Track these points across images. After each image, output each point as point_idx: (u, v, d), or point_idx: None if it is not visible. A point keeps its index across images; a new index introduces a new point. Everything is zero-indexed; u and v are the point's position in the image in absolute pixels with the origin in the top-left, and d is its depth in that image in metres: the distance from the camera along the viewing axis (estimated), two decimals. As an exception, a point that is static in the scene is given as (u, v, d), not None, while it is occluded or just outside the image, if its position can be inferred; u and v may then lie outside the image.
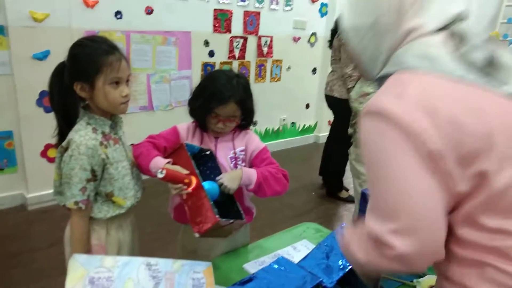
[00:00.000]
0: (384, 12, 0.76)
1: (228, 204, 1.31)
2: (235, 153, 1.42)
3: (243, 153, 1.44)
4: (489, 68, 0.69)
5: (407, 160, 0.65)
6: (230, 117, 1.34)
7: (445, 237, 0.69)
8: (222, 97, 1.30)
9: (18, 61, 2.63)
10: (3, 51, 2.61)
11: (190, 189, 1.20)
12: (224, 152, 1.40)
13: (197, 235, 1.17)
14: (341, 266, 1.20)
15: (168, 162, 1.25)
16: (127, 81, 1.23)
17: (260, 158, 1.42)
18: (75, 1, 2.80)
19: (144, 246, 2.47)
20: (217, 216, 1.14)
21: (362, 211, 1.35)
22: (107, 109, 1.22)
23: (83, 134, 1.17)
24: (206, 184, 1.24)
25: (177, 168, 1.22)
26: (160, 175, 1.14)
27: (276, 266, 1.15)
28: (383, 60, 0.79)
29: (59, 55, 2.80)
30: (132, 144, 1.37)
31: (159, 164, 1.23)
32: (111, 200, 1.25)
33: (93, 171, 1.18)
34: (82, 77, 1.16)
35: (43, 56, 2.68)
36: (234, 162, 1.41)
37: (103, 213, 1.25)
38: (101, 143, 1.20)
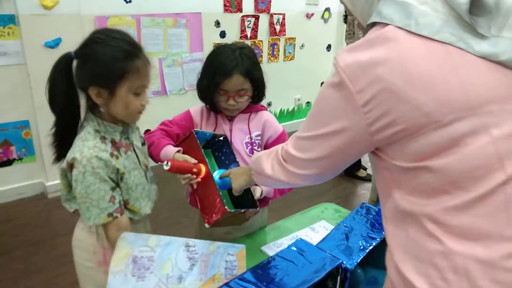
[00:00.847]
0: None
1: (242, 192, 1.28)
2: (250, 137, 1.38)
3: (259, 138, 1.40)
4: (476, 12, 0.60)
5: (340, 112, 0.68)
6: (239, 91, 1.29)
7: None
8: (225, 70, 1.25)
9: (31, 50, 2.63)
10: (15, 40, 2.61)
11: (199, 178, 1.17)
12: (239, 137, 1.37)
13: (207, 225, 1.16)
14: (361, 247, 1.17)
15: (179, 151, 1.22)
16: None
17: (276, 143, 1.37)
18: (83, -13, 2.76)
19: (161, 232, 2.49)
20: (226, 207, 1.11)
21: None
22: (122, 117, 1.09)
23: (92, 146, 1.03)
24: (218, 174, 1.22)
25: (186, 157, 1.19)
26: (165, 167, 1.11)
27: (294, 249, 1.13)
28: (373, 10, 0.72)
29: (71, 42, 2.78)
30: (145, 132, 1.34)
31: (169, 153, 1.21)
32: (126, 208, 1.14)
33: (111, 179, 1.07)
34: (102, 82, 1.01)
35: (54, 44, 2.67)
36: (250, 147, 1.37)
37: None
38: (111, 154, 1.06)
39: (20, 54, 2.65)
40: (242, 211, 1.18)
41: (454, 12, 0.61)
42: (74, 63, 1.05)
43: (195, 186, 1.20)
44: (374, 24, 0.68)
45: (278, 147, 0.91)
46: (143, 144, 1.26)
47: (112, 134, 1.09)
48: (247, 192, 1.28)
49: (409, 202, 0.67)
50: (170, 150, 1.23)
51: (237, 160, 1.32)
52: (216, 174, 1.23)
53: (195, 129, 1.24)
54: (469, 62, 0.59)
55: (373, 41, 0.64)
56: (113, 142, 1.08)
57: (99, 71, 1.01)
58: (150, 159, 1.28)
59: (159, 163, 1.25)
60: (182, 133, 1.35)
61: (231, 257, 1.09)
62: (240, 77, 1.26)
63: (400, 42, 0.62)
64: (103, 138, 1.06)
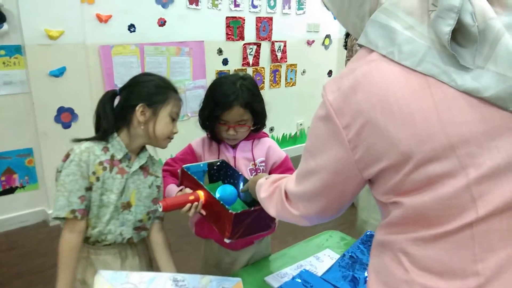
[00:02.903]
0: None
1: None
2: (255, 164, 1.38)
3: (263, 164, 1.40)
4: (461, 41, 0.57)
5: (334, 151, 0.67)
6: (239, 122, 1.29)
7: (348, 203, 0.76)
8: (225, 102, 1.26)
9: (35, 79, 2.66)
10: (21, 70, 2.66)
11: (202, 201, 1.17)
12: (244, 163, 1.37)
13: (227, 240, 1.12)
14: (367, 280, 1.14)
15: (181, 190, 1.24)
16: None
17: (280, 169, 1.39)
18: (89, 17, 2.82)
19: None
20: (230, 211, 1.09)
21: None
22: (151, 139, 1.20)
23: (89, 146, 1.15)
24: (219, 191, 1.22)
25: (186, 191, 1.21)
26: (160, 209, 1.11)
27: (299, 280, 1.10)
28: (364, 25, 0.68)
29: (75, 71, 2.85)
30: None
31: (171, 193, 1.24)
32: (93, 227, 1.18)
33: (90, 182, 1.13)
34: (148, 100, 1.16)
35: (59, 73, 2.71)
36: (254, 173, 1.37)
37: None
38: (100, 163, 1.14)
39: (25, 83, 2.68)
40: (252, 209, 1.15)
41: (439, 39, 0.58)
42: (117, 99, 1.22)
43: (204, 213, 1.18)
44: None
45: (281, 183, 0.90)
46: (154, 199, 1.26)
47: (116, 150, 1.17)
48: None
49: (385, 232, 0.68)
50: (172, 190, 1.25)
51: (241, 174, 1.30)
52: (218, 191, 1.23)
53: (184, 165, 1.27)
54: (450, 98, 0.57)
55: (357, 69, 0.63)
56: (112, 157, 1.16)
57: (146, 91, 1.17)
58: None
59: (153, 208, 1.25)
60: None
61: None
62: (240, 109, 1.27)
63: (381, 72, 0.60)
64: (105, 149, 1.17)
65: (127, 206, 1.22)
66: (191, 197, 1.16)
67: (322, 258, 1.43)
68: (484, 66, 0.56)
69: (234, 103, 1.25)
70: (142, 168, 1.23)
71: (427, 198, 0.59)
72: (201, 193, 1.17)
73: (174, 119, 1.21)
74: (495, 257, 0.57)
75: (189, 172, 1.23)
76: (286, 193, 0.85)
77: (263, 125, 1.39)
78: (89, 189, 1.14)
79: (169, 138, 1.21)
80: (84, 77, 2.84)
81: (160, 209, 1.11)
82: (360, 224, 2.05)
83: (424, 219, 0.61)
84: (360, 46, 0.67)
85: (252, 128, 1.36)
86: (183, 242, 2.58)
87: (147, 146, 1.27)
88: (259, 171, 1.38)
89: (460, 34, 0.57)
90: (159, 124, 1.17)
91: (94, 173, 1.14)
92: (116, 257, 1.23)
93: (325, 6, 0.79)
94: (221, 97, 1.27)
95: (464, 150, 0.56)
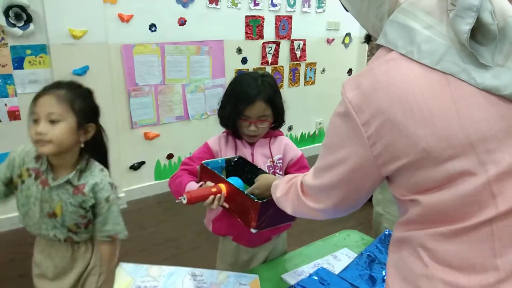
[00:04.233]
0: None
1: None
2: (272, 161, 1.39)
3: (280, 161, 1.41)
4: (480, 39, 0.57)
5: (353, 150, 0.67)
6: (261, 117, 1.31)
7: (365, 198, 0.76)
8: (248, 97, 1.27)
9: (59, 78, 2.68)
10: (46, 69, 2.73)
11: (224, 193, 1.17)
12: (262, 160, 1.38)
13: (254, 230, 1.12)
14: (385, 277, 1.14)
15: (201, 185, 1.24)
16: (53, 121, 1.13)
17: (296, 166, 1.39)
18: (111, 17, 2.88)
19: (183, 255, 2.50)
20: (256, 200, 1.09)
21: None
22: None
23: (28, 150, 1.23)
24: (233, 181, 1.23)
25: (207, 184, 1.21)
26: (184, 201, 1.11)
27: (315, 278, 1.11)
28: (382, 25, 0.69)
29: (98, 70, 2.90)
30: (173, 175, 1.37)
31: (192, 189, 1.22)
32: None
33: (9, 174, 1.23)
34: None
35: (82, 72, 2.77)
36: (272, 170, 1.38)
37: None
38: (27, 169, 1.21)
39: (50, 82, 2.74)
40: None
41: (458, 38, 0.58)
42: None
43: (227, 206, 1.19)
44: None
45: (297, 179, 0.91)
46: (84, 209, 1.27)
47: (44, 162, 1.21)
48: None
49: (404, 229, 0.68)
50: (192, 187, 1.25)
51: (260, 168, 1.31)
52: (235, 181, 1.24)
53: (203, 161, 1.27)
54: (469, 96, 0.57)
55: (376, 68, 0.63)
56: (40, 167, 1.22)
57: None
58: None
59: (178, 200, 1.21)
60: None
61: (244, 287, 1.07)
62: (262, 104, 1.28)
63: (401, 70, 0.60)
64: (38, 157, 1.23)
65: (53, 215, 1.24)
66: (214, 189, 1.16)
67: (340, 257, 1.43)
68: (504, 64, 0.56)
69: (257, 98, 1.27)
70: (72, 185, 1.22)
71: (447, 195, 0.59)
72: (223, 186, 1.18)
73: (35, 120, 1.14)
74: None
75: (209, 167, 1.24)
76: (302, 187, 0.86)
77: (282, 120, 1.39)
78: (9, 181, 1.23)
79: (37, 141, 1.14)
80: (106, 76, 2.90)
81: (185, 202, 1.11)
82: (375, 217, 2.04)
83: (444, 216, 0.61)
84: (379, 46, 0.67)
85: (271, 126, 1.37)
86: (202, 238, 2.62)
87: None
88: (277, 168, 1.39)
89: (480, 33, 0.57)
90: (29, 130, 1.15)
91: (20, 175, 1.22)
92: (68, 245, 1.31)
93: (344, 7, 0.79)
94: (244, 93, 1.28)
95: (483, 147, 0.56)
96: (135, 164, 3.27)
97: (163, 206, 3.20)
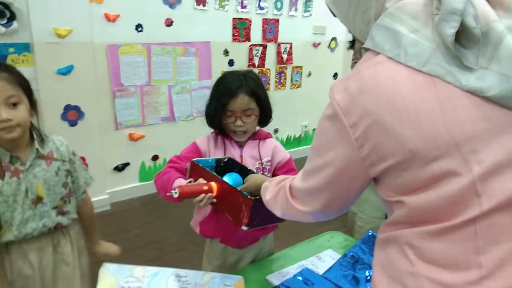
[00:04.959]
0: None
1: None
2: (261, 163, 1.39)
3: (269, 163, 1.41)
4: (464, 43, 0.58)
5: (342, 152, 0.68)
6: (245, 110, 1.31)
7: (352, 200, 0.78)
8: (230, 90, 1.28)
9: (43, 77, 2.69)
10: (29, 67, 2.68)
11: (214, 193, 1.17)
12: (250, 162, 1.38)
13: (245, 228, 1.12)
14: (368, 277, 1.15)
15: (190, 182, 1.23)
16: (14, 104, 1.12)
17: (284, 169, 1.40)
18: (97, 16, 2.85)
19: (167, 258, 2.49)
20: (249, 197, 1.09)
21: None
22: None
23: None
24: (228, 178, 1.23)
25: (199, 181, 1.19)
26: (175, 195, 1.10)
27: (300, 278, 1.12)
28: (369, 30, 0.70)
29: (83, 69, 2.86)
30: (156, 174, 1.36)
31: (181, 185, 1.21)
32: None
33: None
34: None
35: (66, 71, 2.74)
36: (260, 172, 1.38)
37: None
38: None
39: (33, 81, 2.68)
40: None
41: (443, 41, 0.59)
42: None
43: (215, 200, 1.18)
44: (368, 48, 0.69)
45: (286, 182, 0.92)
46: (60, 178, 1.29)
47: (1, 156, 1.16)
48: None
49: (391, 229, 0.69)
50: (180, 183, 1.23)
51: (250, 169, 1.31)
52: (226, 178, 1.24)
53: (195, 159, 1.27)
54: (455, 97, 0.58)
55: (363, 70, 0.65)
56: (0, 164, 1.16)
57: None
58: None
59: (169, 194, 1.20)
60: None
61: None
62: (246, 96, 1.29)
63: (388, 73, 0.62)
64: None
65: (38, 200, 1.23)
66: (205, 187, 1.16)
67: (324, 258, 1.44)
68: (487, 67, 0.58)
69: (239, 90, 1.28)
70: (42, 157, 1.23)
71: (432, 196, 0.61)
72: (214, 185, 1.17)
73: None
74: (497, 250, 0.58)
75: (200, 165, 1.24)
76: (291, 190, 0.87)
77: (269, 115, 1.40)
78: None
79: (3, 129, 1.11)
80: (91, 76, 2.87)
81: (176, 195, 1.09)
82: (350, 216, 2.07)
83: (430, 215, 0.62)
84: (366, 49, 0.68)
85: (259, 123, 1.37)
86: (187, 241, 2.60)
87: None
88: (265, 170, 1.39)
89: (464, 36, 0.59)
90: None
91: None
92: (48, 243, 1.28)
93: (332, 12, 0.81)
94: (226, 87, 1.29)
95: (468, 148, 0.58)
96: (119, 165, 3.24)
97: (148, 208, 3.17)
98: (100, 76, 2.94)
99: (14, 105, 1.12)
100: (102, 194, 3.08)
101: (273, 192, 0.96)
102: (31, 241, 1.25)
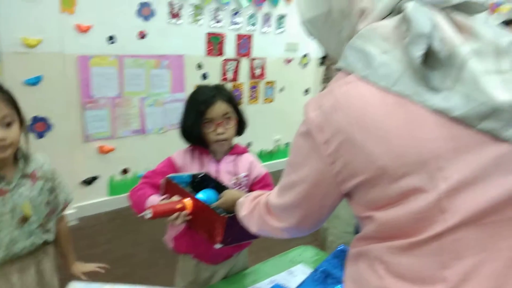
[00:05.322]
0: None
1: None
2: (238, 178, 1.39)
3: (246, 178, 1.42)
4: (431, 64, 0.61)
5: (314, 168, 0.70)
6: (224, 115, 1.32)
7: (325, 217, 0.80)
8: (208, 98, 1.30)
9: (10, 87, 2.57)
10: (-5, 77, 2.60)
11: (188, 210, 1.16)
12: (226, 178, 1.38)
13: (218, 246, 1.11)
14: (340, 292, 1.17)
15: (163, 199, 1.21)
16: (8, 124, 1.12)
17: (260, 184, 1.41)
18: (68, 27, 2.81)
19: (137, 274, 2.43)
20: (222, 215, 1.09)
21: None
22: None
23: None
24: (202, 194, 1.22)
25: (173, 199, 1.18)
26: (149, 216, 1.08)
27: (272, 293, 1.12)
28: (342, 52, 0.72)
29: (52, 80, 2.79)
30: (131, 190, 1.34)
31: (154, 203, 1.20)
32: None
33: None
34: None
35: (35, 82, 2.67)
36: (237, 188, 1.38)
37: None
38: None
39: (-1, 91, 2.62)
40: None
41: (411, 62, 0.62)
42: None
43: (189, 217, 1.17)
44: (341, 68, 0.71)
45: (261, 198, 0.93)
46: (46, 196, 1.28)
47: None
48: None
49: (362, 244, 0.71)
50: (154, 200, 1.22)
51: (225, 185, 1.31)
52: (201, 194, 1.23)
53: (169, 175, 1.26)
54: (422, 117, 0.61)
55: (336, 89, 0.67)
56: None
57: None
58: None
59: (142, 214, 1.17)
60: None
61: None
62: (223, 103, 1.31)
63: (359, 92, 0.64)
64: None
65: (24, 220, 1.21)
66: (179, 205, 1.15)
67: (296, 273, 1.45)
68: (452, 88, 0.60)
69: (216, 98, 1.31)
70: (26, 176, 1.21)
71: (400, 212, 0.63)
72: (188, 202, 1.16)
73: None
74: (462, 264, 0.60)
75: (174, 181, 1.23)
76: (267, 206, 0.88)
77: (245, 125, 1.42)
78: None
79: None
80: (61, 87, 2.81)
81: (149, 216, 1.08)
82: (322, 231, 2.09)
83: (398, 231, 0.64)
84: (339, 69, 0.71)
85: (237, 132, 1.39)
86: (157, 256, 2.55)
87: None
88: (241, 185, 1.39)
89: (431, 58, 0.61)
90: None
91: None
92: (30, 264, 1.25)
93: (308, 32, 0.83)
94: (203, 97, 1.32)
95: (435, 165, 0.60)
96: (88, 179, 3.16)
97: (117, 223, 3.10)
98: (69, 87, 2.88)
99: (8, 125, 1.12)
100: (69, 209, 2.98)
101: (249, 208, 0.96)
102: (13, 262, 1.21)
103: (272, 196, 0.85)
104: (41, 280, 1.29)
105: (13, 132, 1.13)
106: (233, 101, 1.36)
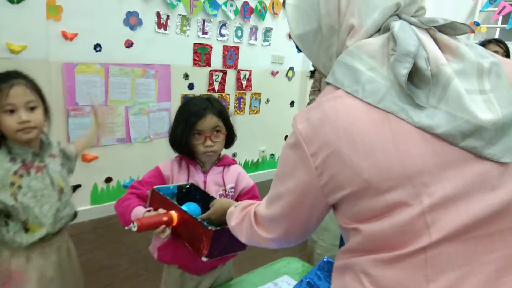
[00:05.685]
0: (324, 15, 0.73)
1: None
2: (225, 190, 1.39)
3: (233, 190, 1.42)
4: (417, 82, 0.63)
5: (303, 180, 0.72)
6: (214, 129, 1.32)
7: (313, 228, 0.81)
8: (199, 111, 1.31)
9: None
10: (-23, 82, 2.56)
11: (174, 223, 1.15)
12: (214, 189, 1.38)
13: (205, 259, 1.10)
14: (324, 303, 1.17)
15: (149, 211, 1.20)
16: (33, 108, 1.26)
17: (248, 195, 1.42)
18: (54, 34, 2.79)
19: (119, 285, 2.39)
20: (210, 228, 1.08)
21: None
22: (11, 136, 1.25)
23: None
24: (190, 206, 1.22)
25: (159, 211, 1.17)
26: (134, 229, 1.07)
27: (257, 304, 1.12)
28: (331, 67, 0.74)
29: (36, 87, 2.66)
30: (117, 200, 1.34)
31: (139, 215, 1.19)
32: (26, 228, 1.29)
33: None
34: None
35: (18, 88, 2.63)
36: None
37: (19, 241, 1.28)
38: (15, 172, 1.25)
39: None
40: (227, 227, 1.12)
41: (397, 80, 0.63)
42: None
43: (175, 231, 1.16)
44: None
45: (251, 208, 0.93)
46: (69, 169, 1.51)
47: (22, 156, 1.28)
48: None
49: (347, 256, 0.72)
50: (139, 212, 1.21)
51: (212, 195, 1.31)
52: (185, 206, 1.22)
53: (155, 186, 1.25)
54: (407, 133, 0.63)
55: (324, 103, 0.69)
56: (23, 162, 1.28)
57: None
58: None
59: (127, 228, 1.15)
60: None
61: None
62: (214, 117, 1.32)
63: (347, 107, 0.66)
64: (13, 159, 1.26)
65: (61, 191, 1.38)
66: (165, 218, 1.14)
67: (280, 284, 1.45)
68: (437, 106, 0.63)
69: (207, 111, 1.31)
70: (51, 156, 1.39)
71: (385, 225, 0.64)
72: (174, 214, 1.15)
73: (11, 110, 1.22)
74: (445, 278, 0.62)
75: (160, 193, 1.22)
76: (256, 217, 0.89)
77: (234, 137, 1.43)
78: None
79: (22, 130, 1.23)
80: (45, 94, 2.76)
81: (134, 229, 1.07)
82: (310, 243, 2.10)
83: (383, 244, 0.65)
84: (328, 83, 0.73)
85: (225, 144, 1.39)
86: (139, 267, 2.52)
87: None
88: (228, 196, 1.39)
89: (416, 77, 0.64)
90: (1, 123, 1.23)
91: (12, 184, 1.24)
92: (62, 242, 1.43)
93: (297, 48, 0.85)
94: (194, 109, 1.32)
95: (419, 180, 0.62)
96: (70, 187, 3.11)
97: (99, 232, 3.04)
98: (54, 94, 2.85)
99: (32, 109, 1.26)
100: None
101: (239, 218, 0.97)
102: (50, 238, 1.35)
103: (260, 207, 0.86)
104: (69, 257, 1.43)
105: (37, 116, 1.27)
106: (224, 114, 1.36)
